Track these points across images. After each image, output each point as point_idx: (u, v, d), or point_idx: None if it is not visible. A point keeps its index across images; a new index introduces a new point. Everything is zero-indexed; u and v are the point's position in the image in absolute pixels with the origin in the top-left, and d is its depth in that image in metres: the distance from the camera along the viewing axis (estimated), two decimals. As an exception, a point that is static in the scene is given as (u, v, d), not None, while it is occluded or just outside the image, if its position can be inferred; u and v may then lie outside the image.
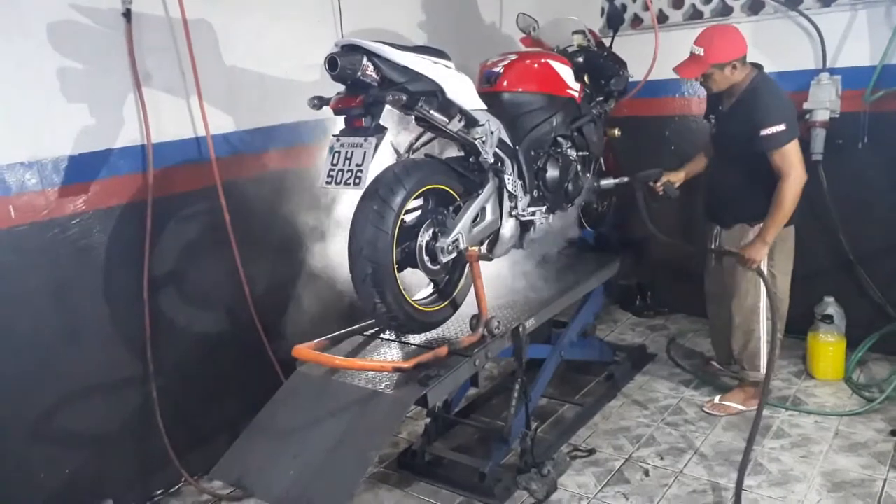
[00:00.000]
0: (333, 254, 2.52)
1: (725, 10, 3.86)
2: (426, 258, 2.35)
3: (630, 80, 3.27)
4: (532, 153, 2.77)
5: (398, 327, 2.41)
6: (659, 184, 3.21)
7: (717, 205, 3.22)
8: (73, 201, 2.55)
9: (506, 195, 2.62)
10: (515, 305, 2.81)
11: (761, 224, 3.02)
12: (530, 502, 2.74)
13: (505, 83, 2.73)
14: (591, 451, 3.04)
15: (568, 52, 3.10)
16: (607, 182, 3.21)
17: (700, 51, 2.89)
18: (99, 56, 2.56)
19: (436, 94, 2.26)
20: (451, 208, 2.43)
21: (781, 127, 2.82)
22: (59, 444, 2.60)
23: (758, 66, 2.99)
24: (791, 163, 2.85)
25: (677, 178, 3.28)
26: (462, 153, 2.57)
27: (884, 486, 2.67)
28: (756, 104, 2.88)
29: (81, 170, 2.56)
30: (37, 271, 2.49)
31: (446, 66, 2.32)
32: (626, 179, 3.23)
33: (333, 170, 2.12)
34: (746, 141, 2.89)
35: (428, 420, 3.07)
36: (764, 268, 3.06)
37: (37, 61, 2.42)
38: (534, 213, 2.77)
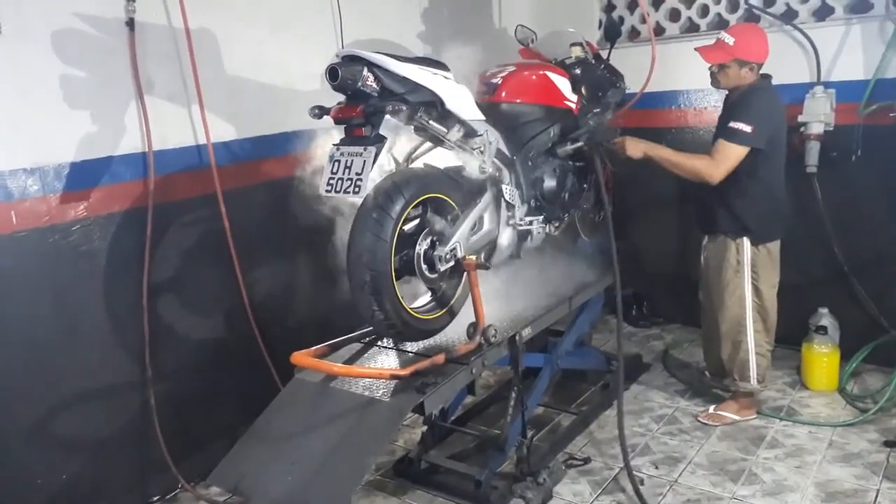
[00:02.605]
0: (332, 261, 2.54)
1: (722, 24, 3.89)
2: (424, 266, 2.36)
3: (627, 91, 3.30)
4: (529, 163, 2.80)
5: (396, 335, 2.42)
6: (616, 140, 3.07)
7: (703, 213, 3.22)
8: (75, 207, 2.57)
9: (503, 205, 2.65)
10: (512, 314, 2.82)
11: (744, 238, 3.05)
12: (526, 510, 2.75)
13: (503, 94, 2.76)
14: (587, 460, 3.05)
15: (565, 64, 3.12)
16: (564, 148, 2.94)
17: (730, 40, 2.90)
18: (102, 64, 2.59)
19: (435, 105, 2.29)
20: (449, 217, 2.45)
21: (748, 128, 2.83)
22: (56, 449, 2.60)
23: (766, 77, 3.01)
24: (724, 158, 2.86)
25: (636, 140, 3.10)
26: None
27: (877, 496, 2.69)
28: (742, 102, 2.91)
29: (83, 176, 2.58)
30: (37, 277, 2.50)
31: (445, 77, 2.35)
32: (580, 144, 2.95)
33: (333, 178, 2.14)
34: None
35: (424, 428, 3.07)
36: (747, 279, 3.08)
37: (40, 68, 2.44)
38: (531, 223, 2.80)
